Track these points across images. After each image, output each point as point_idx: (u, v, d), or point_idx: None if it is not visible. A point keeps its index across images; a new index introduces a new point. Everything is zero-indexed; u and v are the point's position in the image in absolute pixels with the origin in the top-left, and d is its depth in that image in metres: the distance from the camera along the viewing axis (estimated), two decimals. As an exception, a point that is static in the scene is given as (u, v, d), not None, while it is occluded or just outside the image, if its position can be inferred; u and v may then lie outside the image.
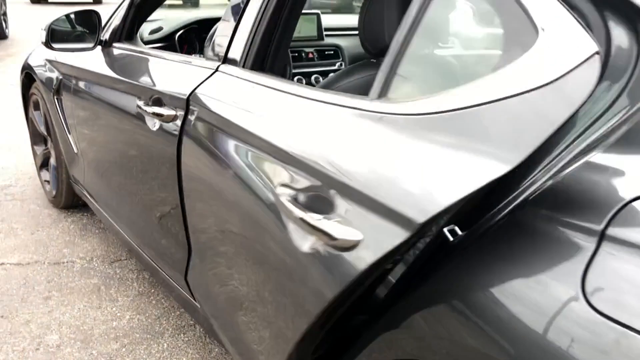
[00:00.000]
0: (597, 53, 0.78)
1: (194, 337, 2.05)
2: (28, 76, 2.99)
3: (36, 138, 3.16)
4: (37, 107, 3.00)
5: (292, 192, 1.10)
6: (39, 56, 2.84)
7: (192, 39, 2.55)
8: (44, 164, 3.15)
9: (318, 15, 2.67)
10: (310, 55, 2.59)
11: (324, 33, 2.67)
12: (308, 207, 1.05)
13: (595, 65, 0.78)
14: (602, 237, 0.73)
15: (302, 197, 1.07)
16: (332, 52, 2.65)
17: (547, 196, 0.80)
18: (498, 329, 0.79)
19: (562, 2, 0.85)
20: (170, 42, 2.54)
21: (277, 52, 1.51)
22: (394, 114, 0.97)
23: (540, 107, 0.80)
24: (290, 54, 2.46)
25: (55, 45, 2.25)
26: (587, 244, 0.74)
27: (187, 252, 1.68)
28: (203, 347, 2.00)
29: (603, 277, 0.72)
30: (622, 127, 0.78)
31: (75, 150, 2.51)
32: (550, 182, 0.80)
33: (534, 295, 0.76)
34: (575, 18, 0.83)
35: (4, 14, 8.93)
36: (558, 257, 0.76)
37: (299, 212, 1.05)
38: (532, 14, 0.86)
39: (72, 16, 2.29)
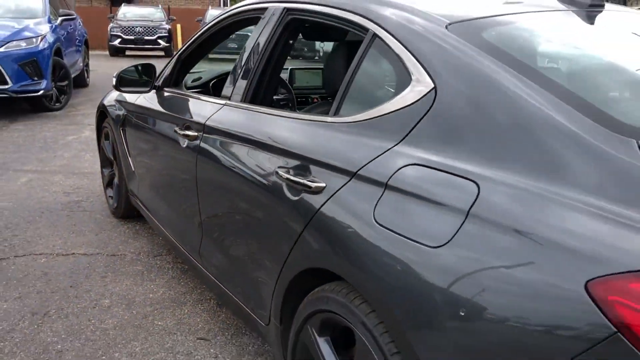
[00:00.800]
0: (433, 88, 1.44)
1: (208, 306, 2.72)
2: (102, 114, 3.83)
3: (104, 162, 3.99)
4: (107, 137, 3.83)
5: (285, 169, 1.76)
6: (111, 98, 3.69)
7: (222, 86, 3.30)
8: (109, 183, 3.96)
9: (323, 70, 3.38)
10: (315, 100, 3.30)
11: (327, 83, 3.38)
12: (296, 175, 1.70)
13: (432, 94, 1.44)
14: (386, 186, 1.38)
15: (292, 171, 1.73)
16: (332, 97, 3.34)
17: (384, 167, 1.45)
18: (332, 238, 1.46)
19: (418, 61, 1.51)
20: (206, 88, 3.30)
21: (268, 90, 2.22)
22: (341, 123, 1.67)
23: (409, 115, 1.46)
24: (297, 99, 3.17)
25: (122, 88, 3.06)
26: (378, 189, 1.39)
27: (200, 234, 2.37)
28: (214, 313, 2.66)
29: (384, 207, 1.36)
30: (416, 129, 1.42)
31: (133, 169, 3.29)
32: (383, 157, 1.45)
33: (351, 216, 1.43)
34: (425, 69, 1.49)
35: (87, 65, 10.22)
36: (358, 198, 1.42)
37: (289, 179, 1.70)
38: (408, 68, 1.54)
39: (135, 67, 3.11)
